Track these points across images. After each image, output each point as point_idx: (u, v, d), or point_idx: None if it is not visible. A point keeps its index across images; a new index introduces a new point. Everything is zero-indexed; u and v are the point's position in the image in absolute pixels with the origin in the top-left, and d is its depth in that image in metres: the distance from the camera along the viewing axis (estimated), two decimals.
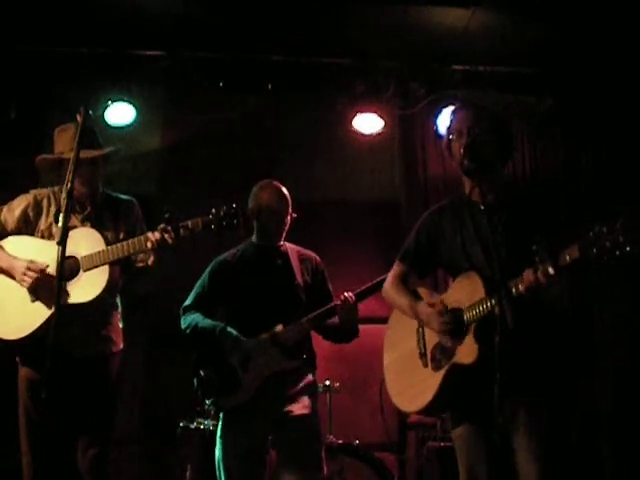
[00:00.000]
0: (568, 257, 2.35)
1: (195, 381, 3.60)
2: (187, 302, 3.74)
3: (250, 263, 3.73)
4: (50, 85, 5.13)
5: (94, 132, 3.44)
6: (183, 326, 3.68)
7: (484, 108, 2.88)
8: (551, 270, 2.38)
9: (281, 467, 3.52)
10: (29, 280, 3.23)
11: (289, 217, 3.75)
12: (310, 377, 3.65)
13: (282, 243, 3.78)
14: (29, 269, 3.23)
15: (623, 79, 5.17)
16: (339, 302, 3.58)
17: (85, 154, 3.19)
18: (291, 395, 3.53)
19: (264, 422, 3.50)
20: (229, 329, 3.55)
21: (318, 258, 3.85)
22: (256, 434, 3.50)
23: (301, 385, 3.57)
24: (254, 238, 3.80)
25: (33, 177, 3.65)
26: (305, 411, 3.53)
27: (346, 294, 3.59)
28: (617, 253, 2.22)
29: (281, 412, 3.50)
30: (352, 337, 3.75)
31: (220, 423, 3.60)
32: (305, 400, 3.56)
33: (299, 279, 3.69)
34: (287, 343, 3.52)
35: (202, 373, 3.57)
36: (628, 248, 2.20)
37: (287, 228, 3.77)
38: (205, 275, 3.76)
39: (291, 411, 3.50)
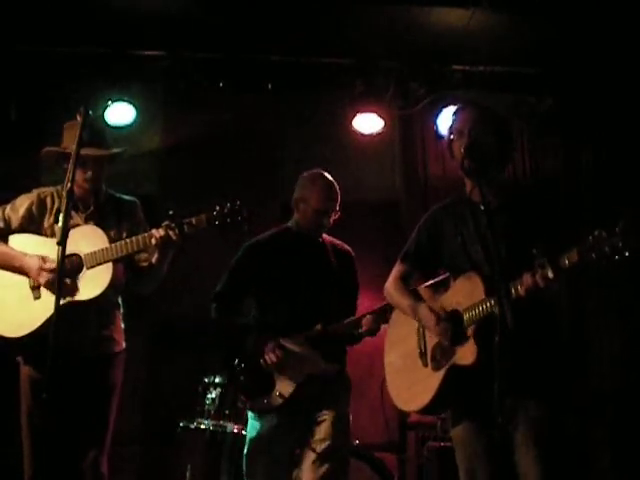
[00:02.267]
0: (567, 261, 2.36)
1: (227, 379, 3.55)
2: (219, 287, 3.65)
3: (287, 250, 3.60)
4: (50, 85, 5.13)
5: (103, 132, 3.45)
6: (215, 315, 3.61)
7: (486, 109, 2.88)
8: (550, 274, 2.39)
9: (306, 466, 3.45)
10: (43, 281, 3.21)
11: (334, 215, 3.60)
12: (345, 376, 3.59)
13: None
14: (42, 269, 3.21)
15: (623, 79, 5.17)
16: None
17: (90, 151, 3.21)
18: (327, 398, 3.47)
19: (297, 424, 3.46)
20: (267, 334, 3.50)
21: (353, 253, 3.75)
22: (288, 436, 3.46)
23: (337, 387, 3.52)
24: (292, 224, 3.68)
25: (33, 177, 3.66)
26: (338, 415, 3.46)
27: None
28: (616, 258, 2.23)
29: (315, 415, 3.45)
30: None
31: (251, 424, 3.53)
32: (339, 403, 3.51)
33: (336, 274, 3.60)
34: (327, 345, 3.44)
35: (241, 374, 3.51)
36: (627, 253, 2.21)
37: (329, 226, 3.63)
38: (238, 257, 3.67)
39: (324, 414, 3.44)
